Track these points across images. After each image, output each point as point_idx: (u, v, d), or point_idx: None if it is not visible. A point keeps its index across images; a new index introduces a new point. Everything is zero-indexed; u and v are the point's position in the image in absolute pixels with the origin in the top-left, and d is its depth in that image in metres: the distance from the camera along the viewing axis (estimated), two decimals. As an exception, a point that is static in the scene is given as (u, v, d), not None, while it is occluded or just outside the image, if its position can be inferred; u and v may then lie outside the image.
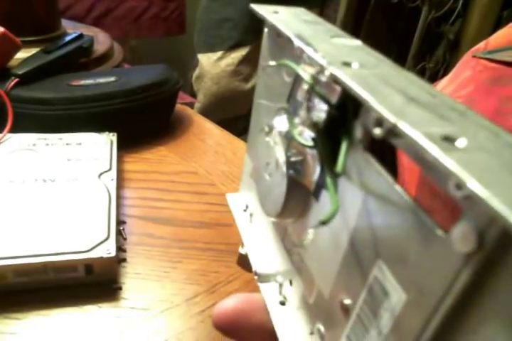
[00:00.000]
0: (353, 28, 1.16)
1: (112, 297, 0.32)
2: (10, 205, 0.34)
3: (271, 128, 0.18)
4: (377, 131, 0.11)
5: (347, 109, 0.14)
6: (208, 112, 1.15)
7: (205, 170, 0.47)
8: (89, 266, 0.31)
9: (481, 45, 0.35)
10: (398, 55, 1.12)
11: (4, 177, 0.37)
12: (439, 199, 0.20)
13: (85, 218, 0.33)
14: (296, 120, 0.17)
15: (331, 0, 1.24)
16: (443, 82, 0.36)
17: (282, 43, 0.19)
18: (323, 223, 0.14)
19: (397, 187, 0.12)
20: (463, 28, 1.06)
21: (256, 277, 0.20)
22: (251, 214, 0.24)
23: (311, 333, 0.17)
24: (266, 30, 0.21)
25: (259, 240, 0.22)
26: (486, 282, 0.09)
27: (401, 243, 0.12)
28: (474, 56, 0.34)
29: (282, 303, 0.19)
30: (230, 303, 0.19)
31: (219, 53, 1.17)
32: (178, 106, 0.55)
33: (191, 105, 1.15)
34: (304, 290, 0.18)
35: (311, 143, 0.15)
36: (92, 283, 0.32)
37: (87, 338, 0.29)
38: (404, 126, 0.10)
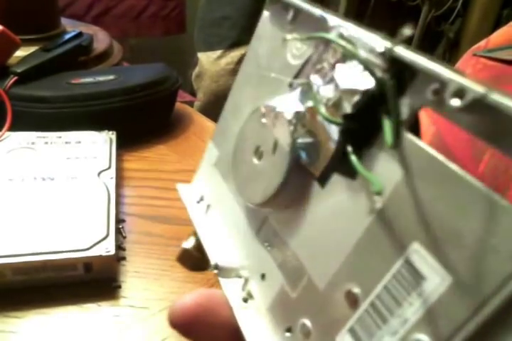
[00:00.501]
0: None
1: (111, 295, 0.32)
2: (9, 204, 0.34)
3: (269, 109, 0.17)
4: (456, 103, 0.11)
5: (387, 87, 0.13)
6: (207, 111, 1.15)
7: (204, 169, 0.47)
8: (88, 264, 0.31)
9: (482, 43, 0.35)
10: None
11: (3, 176, 0.37)
12: None
13: (84, 216, 0.33)
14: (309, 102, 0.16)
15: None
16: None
17: (302, 22, 0.18)
18: (378, 193, 0.13)
19: (453, 166, 0.12)
20: (463, 26, 1.07)
21: (216, 271, 0.19)
22: (208, 206, 0.22)
23: (288, 330, 0.16)
24: (267, 13, 0.20)
25: (219, 232, 0.21)
26: None
27: (455, 222, 0.11)
28: (474, 54, 0.34)
29: (245, 300, 0.18)
30: (190, 299, 0.17)
31: (218, 52, 1.17)
32: (178, 105, 0.55)
33: (191, 104, 1.15)
34: (283, 284, 0.17)
35: (339, 120, 0.14)
36: (91, 281, 0.32)
37: (87, 336, 0.29)
38: (498, 97, 0.10)
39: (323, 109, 0.15)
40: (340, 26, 0.15)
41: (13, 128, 0.43)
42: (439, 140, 0.34)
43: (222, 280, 0.19)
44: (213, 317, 0.18)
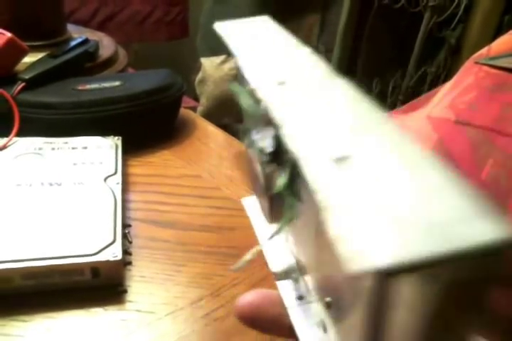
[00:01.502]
0: (355, 32, 1.17)
1: (118, 300, 0.32)
2: (17, 209, 0.35)
3: (250, 143, 0.19)
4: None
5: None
6: (210, 116, 1.16)
7: (208, 174, 0.47)
8: (95, 269, 0.31)
9: (483, 51, 0.36)
10: (400, 60, 1.12)
11: (11, 181, 0.37)
12: None
13: (91, 221, 0.34)
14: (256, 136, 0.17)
15: (333, 5, 1.24)
16: (446, 87, 0.37)
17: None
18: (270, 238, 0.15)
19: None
20: (464, 32, 1.07)
21: (273, 276, 0.21)
22: None
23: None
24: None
25: (274, 240, 0.23)
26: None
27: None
28: (477, 62, 0.35)
29: (300, 298, 0.20)
30: (252, 295, 0.20)
31: (222, 57, 1.18)
32: (182, 110, 0.56)
33: (194, 109, 1.16)
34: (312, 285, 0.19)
35: (268, 158, 0.16)
36: (98, 286, 0.32)
37: (93, 340, 0.29)
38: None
39: (258, 151, 0.16)
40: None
41: (21, 133, 0.43)
42: (441, 146, 0.34)
43: (277, 282, 0.21)
44: (271, 314, 0.20)
